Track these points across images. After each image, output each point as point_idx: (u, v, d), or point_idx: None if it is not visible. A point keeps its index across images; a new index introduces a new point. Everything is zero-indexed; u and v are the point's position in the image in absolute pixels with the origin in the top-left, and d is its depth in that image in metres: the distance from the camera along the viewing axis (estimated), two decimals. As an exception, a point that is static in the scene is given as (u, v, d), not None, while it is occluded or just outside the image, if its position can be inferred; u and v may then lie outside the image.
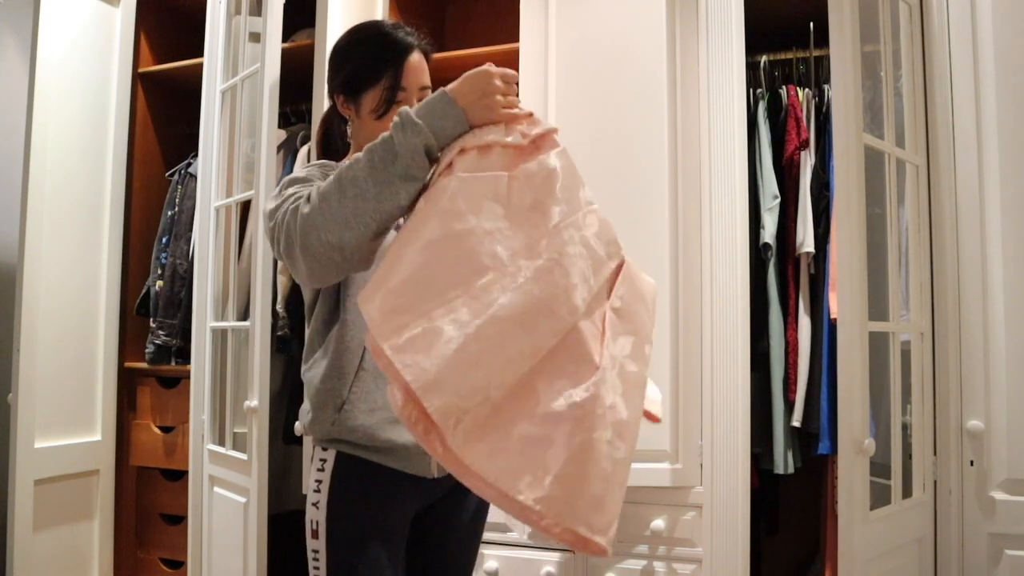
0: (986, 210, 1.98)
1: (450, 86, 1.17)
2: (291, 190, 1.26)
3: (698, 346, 1.98)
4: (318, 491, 1.33)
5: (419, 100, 1.37)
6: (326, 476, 1.33)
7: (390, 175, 1.13)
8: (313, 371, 1.36)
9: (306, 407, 1.38)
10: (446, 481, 1.41)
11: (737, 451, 1.93)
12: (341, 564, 1.31)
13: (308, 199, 1.17)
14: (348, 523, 1.31)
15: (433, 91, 1.22)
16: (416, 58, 1.40)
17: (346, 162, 1.39)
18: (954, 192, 2.00)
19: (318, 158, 1.56)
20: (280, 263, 1.32)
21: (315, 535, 1.32)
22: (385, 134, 1.15)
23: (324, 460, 1.35)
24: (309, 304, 1.39)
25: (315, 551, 1.32)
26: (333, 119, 1.53)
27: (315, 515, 1.32)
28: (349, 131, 1.48)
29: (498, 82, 1.17)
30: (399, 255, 1.09)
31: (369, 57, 1.39)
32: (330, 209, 1.14)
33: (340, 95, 1.44)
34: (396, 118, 1.15)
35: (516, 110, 1.20)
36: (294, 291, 2.57)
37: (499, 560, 2.08)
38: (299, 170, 1.38)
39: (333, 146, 1.55)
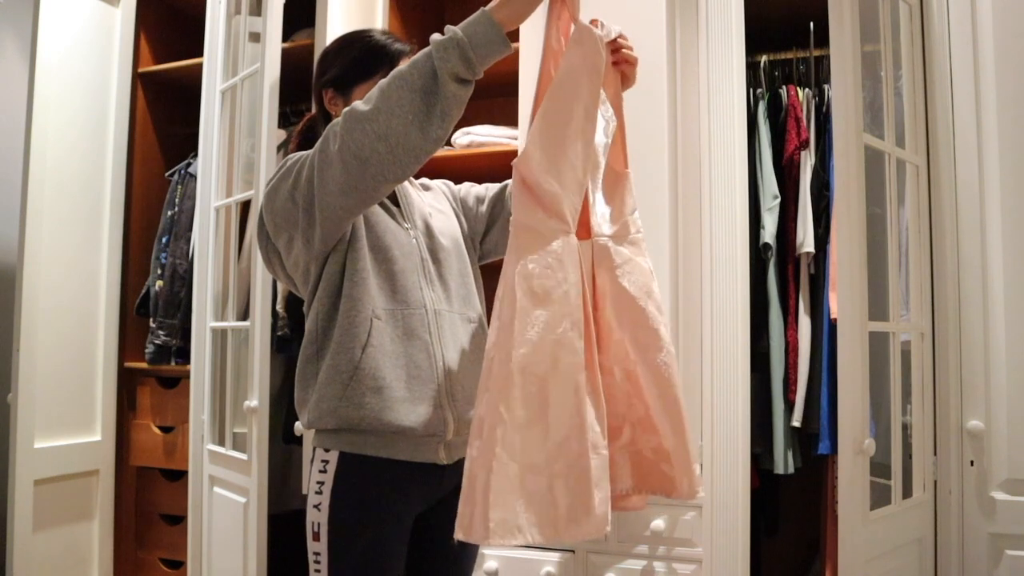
0: (986, 210, 1.98)
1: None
2: (296, 157, 1.33)
3: (698, 346, 1.98)
4: (320, 493, 1.33)
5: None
6: (328, 478, 1.33)
7: (429, 68, 1.19)
8: (320, 351, 1.35)
9: (311, 391, 1.36)
10: (453, 472, 1.41)
11: (737, 451, 1.93)
12: (343, 567, 1.31)
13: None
14: (350, 525, 1.31)
15: None
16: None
17: None
18: (954, 192, 2.00)
19: None
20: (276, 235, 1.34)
21: (316, 537, 1.32)
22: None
23: (326, 462, 1.34)
24: (312, 286, 1.39)
25: (316, 553, 1.32)
26: (316, 122, 1.54)
27: (317, 517, 1.32)
28: None
29: None
30: None
31: (364, 55, 1.45)
32: (377, 101, 1.19)
33: (330, 90, 1.48)
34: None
35: None
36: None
37: (499, 560, 2.08)
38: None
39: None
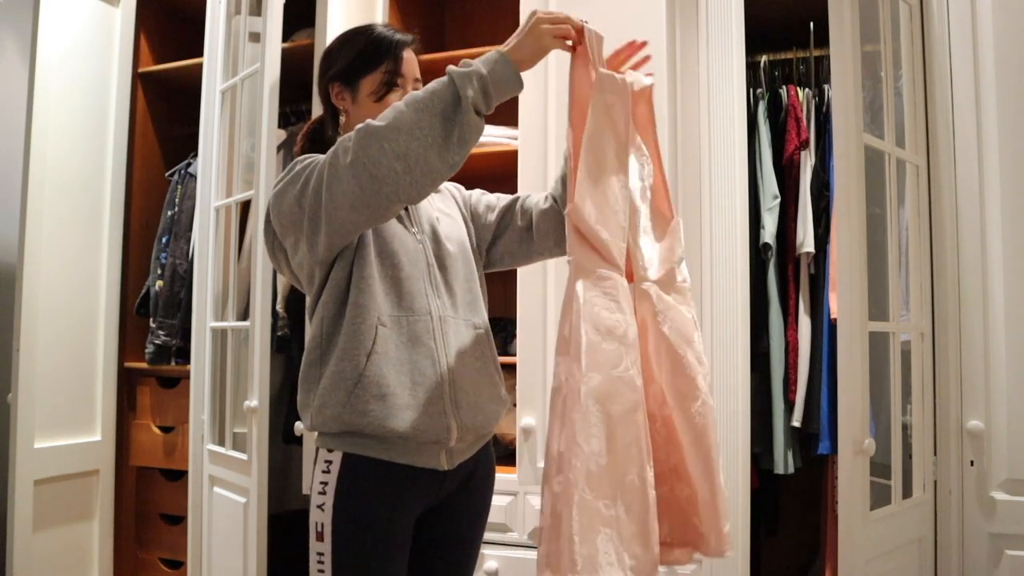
0: (986, 210, 1.98)
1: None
2: (307, 161, 1.33)
3: (698, 346, 1.98)
4: (323, 493, 1.33)
5: (414, 91, 1.45)
6: (332, 478, 1.33)
7: (451, 95, 1.21)
8: (323, 355, 1.35)
9: (313, 395, 1.35)
10: (454, 475, 1.41)
11: (737, 451, 1.93)
12: (347, 567, 1.31)
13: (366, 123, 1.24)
14: (355, 526, 1.31)
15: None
16: (410, 54, 1.49)
17: None
18: (954, 192, 2.01)
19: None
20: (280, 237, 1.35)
21: (320, 538, 1.32)
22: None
23: (330, 462, 1.34)
24: (316, 290, 1.38)
25: (320, 553, 1.32)
26: (323, 126, 1.54)
27: (320, 517, 1.32)
28: (342, 121, 1.49)
29: (544, 20, 1.27)
30: None
31: (368, 47, 1.46)
32: (394, 120, 1.20)
33: (336, 84, 1.48)
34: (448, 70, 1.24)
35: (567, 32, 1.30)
36: (294, 291, 2.57)
37: (499, 560, 2.08)
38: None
39: (321, 149, 1.55)
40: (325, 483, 1.33)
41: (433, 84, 1.23)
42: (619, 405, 1.23)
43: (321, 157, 1.32)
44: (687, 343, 1.35)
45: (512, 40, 1.27)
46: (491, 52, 1.26)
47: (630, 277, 1.36)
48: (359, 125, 1.23)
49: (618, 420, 1.22)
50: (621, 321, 1.26)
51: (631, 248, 1.37)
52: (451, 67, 1.23)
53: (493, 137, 2.42)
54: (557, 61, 2.14)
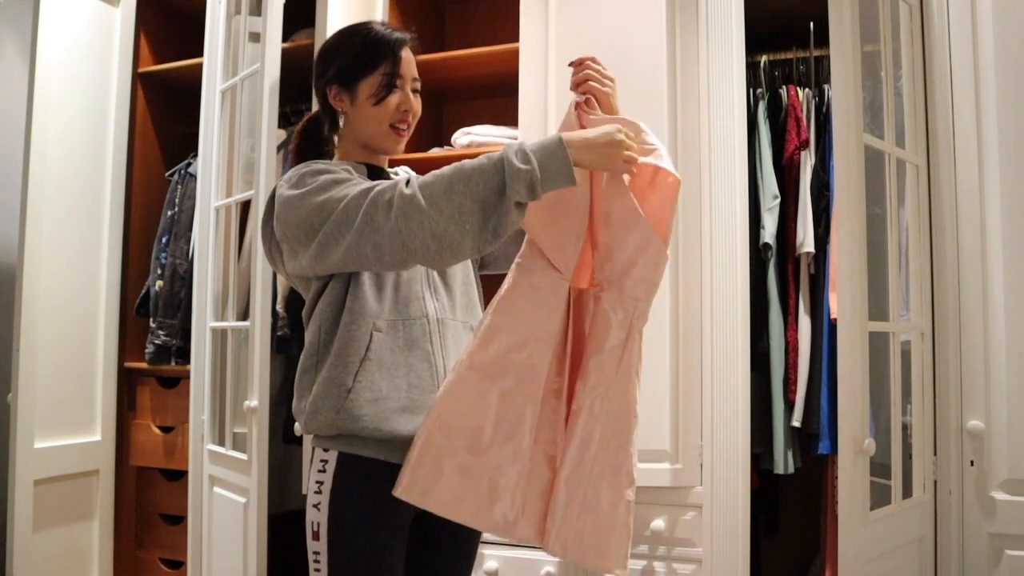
0: (986, 210, 1.98)
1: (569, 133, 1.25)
2: (323, 179, 1.31)
3: (698, 346, 1.98)
4: (319, 492, 1.33)
5: (412, 90, 1.46)
6: (327, 477, 1.34)
7: (497, 184, 1.20)
8: (318, 363, 1.36)
9: (306, 402, 1.36)
10: None
11: (737, 451, 1.93)
12: (343, 566, 1.31)
13: (408, 184, 1.23)
14: (350, 525, 1.32)
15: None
16: (408, 52, 1.47)
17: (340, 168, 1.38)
18: (954, 192, 2.00)
19: (295, 163, 1.51)
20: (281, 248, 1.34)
21: (316, 537, 1.33)
22: (494, 154, 1.23)
23: (325, 461, 1.35)
24: (313, 297, 1.39)
25: (316, 552, 1.32)
26: (320, 123, 1.52)
27: (316, 517, 1.33)
28: (340, 124, 1.49)
29: (626, 148, 1.25)
30: None
31: (366, 48, 1.43)
32: (440, 199, 1.20)
33: (333, 86, 1.45)
34: (508, 145, 1.23)
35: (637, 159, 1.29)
36: (294, 291, 2.56)
37: (499, 560, 2.08)
38: (312, 164, 1.38)
39: (316, 151, 1.53)
40: (321, 482, 1.34)
41: (484, 162, 1.21)
42: (507, 384, 1.30)
43: (340, 175, 1.31)
44: (598, 349, 1.36)
45: (583, 139, 1.23)
46: (554, 141, 1.21)
47: (589, 282, 1.39)
48: (406, 191, 1.22)
49: (506, 401, 1.30)
50: (537, 315, 1.32)
51: (590, 254, 1.39)
52: (508, 149, 1.21)
53: (493, 137, 2.42)
54: (557, 61, 2.14)
